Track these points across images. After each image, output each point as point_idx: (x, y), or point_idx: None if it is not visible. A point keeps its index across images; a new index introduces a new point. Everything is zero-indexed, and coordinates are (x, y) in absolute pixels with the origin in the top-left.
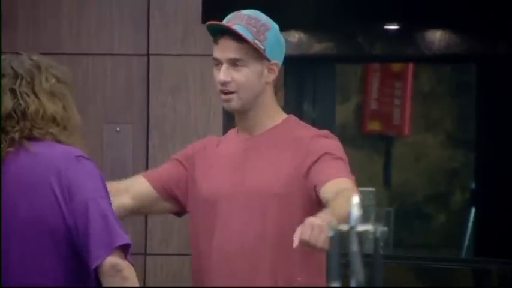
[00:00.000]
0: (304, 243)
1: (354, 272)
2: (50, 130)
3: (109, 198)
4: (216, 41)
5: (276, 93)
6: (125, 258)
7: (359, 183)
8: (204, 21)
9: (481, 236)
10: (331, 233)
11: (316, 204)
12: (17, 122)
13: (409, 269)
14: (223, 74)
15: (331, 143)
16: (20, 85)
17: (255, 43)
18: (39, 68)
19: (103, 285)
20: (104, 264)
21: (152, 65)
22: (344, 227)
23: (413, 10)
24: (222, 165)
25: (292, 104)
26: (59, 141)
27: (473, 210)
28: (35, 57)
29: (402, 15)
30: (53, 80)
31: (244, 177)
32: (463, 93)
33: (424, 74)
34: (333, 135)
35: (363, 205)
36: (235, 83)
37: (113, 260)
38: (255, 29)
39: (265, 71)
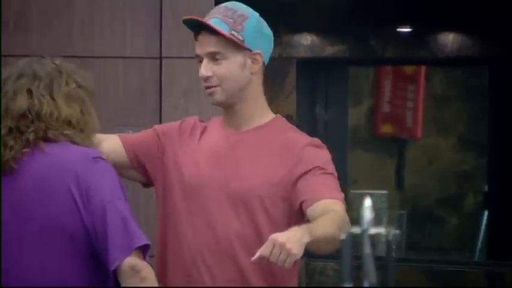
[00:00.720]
0: (263, 259)
1: (367, 274)
2: (65, 132)
3: (126, 198)
4: (196, 38)
5: (287, 96)
6: (143, 258)
7: (371, 186)
8: None
9: (493, 238)
10: (343, 236)
11: (296, 214)
12: (32, 122)
13: (422, 272)
14: (203, 68)
15: (323, 155)
16: (37, 87)
17: (231, 34)
18: (60, 72)
19: (122, 286)
20: (123, 265)
21: (165, 68)
22: (357, 230)
23: (426, 13)
24: (206, 156)
25: (305, 107)
26: (74, 143)
27: (485, 213)
28: (58, 62)
29: (415, 18)
30: (73, 85)
31: (229, 174)
32: (475, 96)
33: (437, 77)
34: (323, 144)
35: (375, 208)
36: (217, 76)
37: (132, 260)
38: (231, 20)
39: (248, 62)
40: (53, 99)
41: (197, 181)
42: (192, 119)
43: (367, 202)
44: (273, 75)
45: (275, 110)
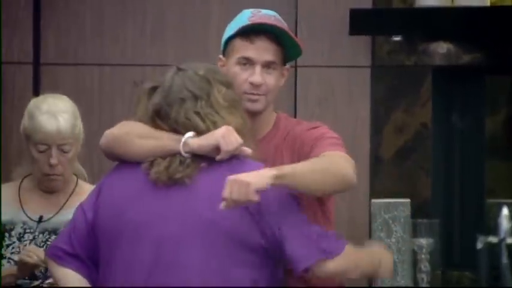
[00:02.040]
0: (229, 202)
1: (504, 284)
2: None
3: (299, 210)
4: (251, 40)
5: (423, 105)
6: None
7: (509, 195)
8: (351, 33)
9: None
10: (479, 245)
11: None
12: None
13: None
14: (259, 76)
15: (321, 130)
16: (201, 107)
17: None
18: (208, 81)
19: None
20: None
21: (299, 77)
22: (494, 239)
23: None
24: None
25: (440, 116)
26: None
27: None
28: (201, 72)
29: None
30: (223, 89)
31: None
32: None
33: None
34: (324, 125)
35: None
36: (266, 86)
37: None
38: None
39: (280, 75)
40: (217, 113)
41: None
42: None
43: (504, 211)
44: (408, 83)
45: (410, 119)
